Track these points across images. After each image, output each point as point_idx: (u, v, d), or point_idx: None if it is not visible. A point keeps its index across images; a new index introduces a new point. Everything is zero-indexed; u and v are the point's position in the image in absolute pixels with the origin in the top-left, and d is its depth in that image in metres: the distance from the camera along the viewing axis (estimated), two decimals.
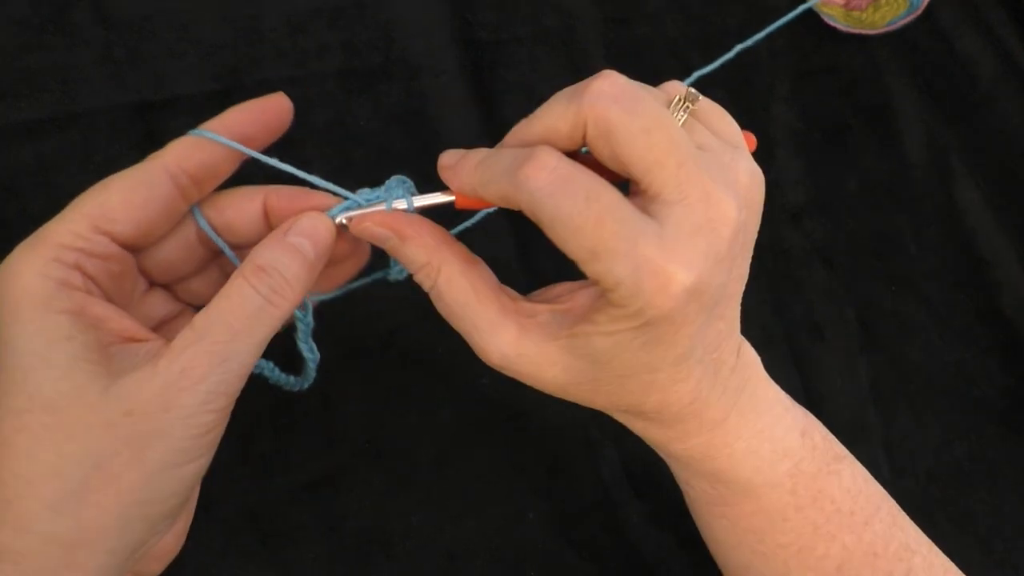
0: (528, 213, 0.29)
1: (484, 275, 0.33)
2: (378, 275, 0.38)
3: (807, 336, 0.54)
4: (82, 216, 0.30)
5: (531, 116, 0.32)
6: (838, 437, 0.52)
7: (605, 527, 0.47)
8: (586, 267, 0.29)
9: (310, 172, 0.34)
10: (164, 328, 0.35)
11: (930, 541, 0.39)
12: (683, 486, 0.40)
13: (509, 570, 0.45)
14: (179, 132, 0.33)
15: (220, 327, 0.29)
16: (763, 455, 0.36)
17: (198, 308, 0.36)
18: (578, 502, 0.47)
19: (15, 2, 0.48)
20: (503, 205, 0.31)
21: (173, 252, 0.34)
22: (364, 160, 0.51)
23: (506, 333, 0.32)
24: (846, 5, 0.62)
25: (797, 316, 0.54)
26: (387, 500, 0.45)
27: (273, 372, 0.37)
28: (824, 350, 0.54)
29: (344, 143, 0.51)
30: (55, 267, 0.29)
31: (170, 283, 0.35)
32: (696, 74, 0.39)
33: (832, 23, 0.60)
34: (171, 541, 0.32)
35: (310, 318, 0.35)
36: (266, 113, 0.33)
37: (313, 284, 0.33)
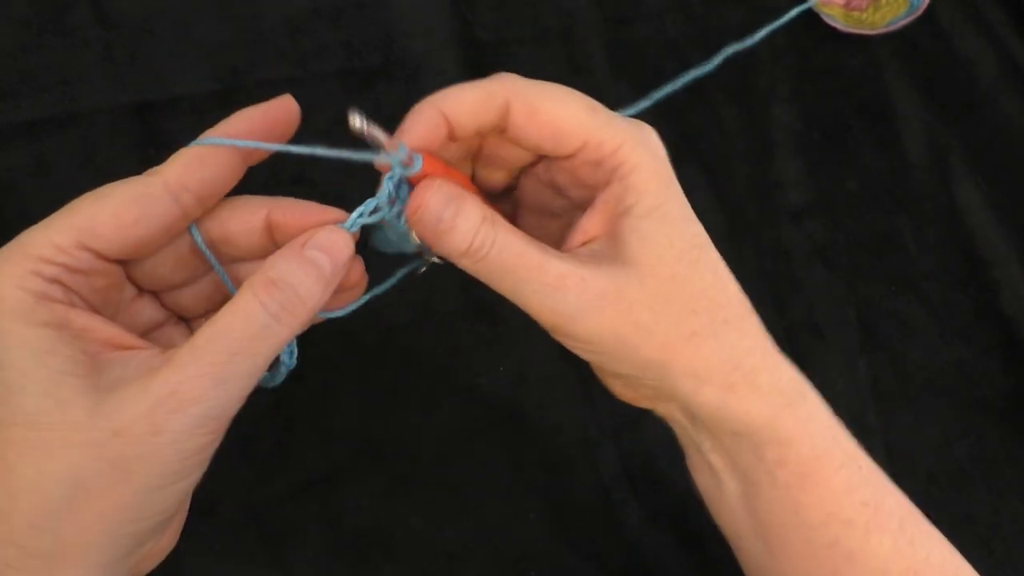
0: (521, 98, 0.31)
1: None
2: (395, 278, 0.36)
3: (807, 336, 0.54)
4: (68, 228, 0.28)
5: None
6: None
7: (605, 527, 0.47)
8: (591, 131, 0.30)
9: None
10: (155, 334, 0.34)
11: None
12: (751, 476, 0.35)
13: (509, 570, 0.45)
14: (179, 132, 0.32)
15: (220, 345, 0.27)
16: (816, 397, 0.35)
17: (186, 319, 0.35)
18: (578, 502, 0.47)
19: (15, 2, 0.48)
20: (475, 115, 0.31)
21: (165, 264, 0.32)
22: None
23: (573, 271, 0.31)
24: (846, 5, 0.62)
25: (797, 316, 0.54)
26: (387, 500, 0.45)
27: None
28: (824, 350, 0.54)
29: (344, 143, 0.51)
30: (33, 280, 0.27)
31: (159, 292, 0.34)
32: (690, 76, 0.39)
33: (832, 23, 0.60)
34: (163, 542, 0.32)
35: (294, 346, 0.34)
36: (272, 118, 0.32)
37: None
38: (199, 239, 0.32)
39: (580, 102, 0.31)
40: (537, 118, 0.30)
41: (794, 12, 0.58)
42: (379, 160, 0.31)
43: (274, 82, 0.51)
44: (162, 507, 0.28)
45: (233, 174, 0.32)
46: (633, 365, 0.32)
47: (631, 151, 0.31)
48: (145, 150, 0.47)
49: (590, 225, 0.33)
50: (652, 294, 0.31)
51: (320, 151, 0.31)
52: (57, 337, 0.27)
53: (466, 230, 0.30)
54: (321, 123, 0.51)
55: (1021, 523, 0.53)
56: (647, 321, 0.31)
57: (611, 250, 0.32)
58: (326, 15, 0.52)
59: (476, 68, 0.54)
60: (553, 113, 0.31)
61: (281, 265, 0.29)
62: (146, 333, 0.33)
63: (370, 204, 0.32)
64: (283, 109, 0.32)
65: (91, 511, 0.26)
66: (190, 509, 0.34)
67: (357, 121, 0.30)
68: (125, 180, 0.30)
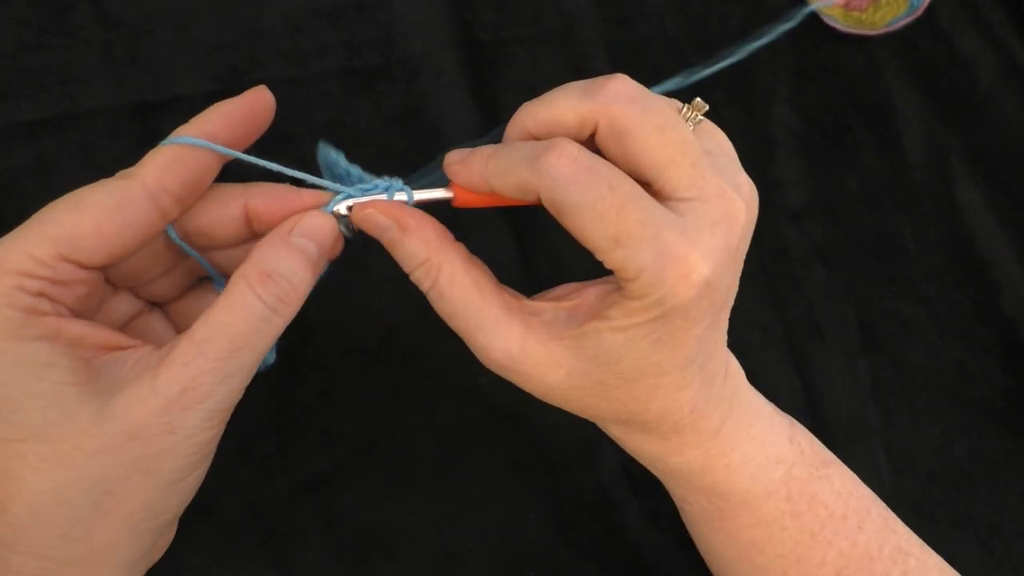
0: (548, 201, 0.29)
1: (486, 273, 0.33)
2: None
3: (807, 336, 0.54)
4: (48, 240, 0.28)
5: (536, 104, 0.32)
6: (838, 437, 0.52)
7: (604, 527, 0.47)
8: (607, 255, 0.29)
9: (309, 172, 0.34)
10: (132, 325, 0.34)
11: (922, 542, 0.39)
12: (680, 504, 0.40)
13: (509, 570, 0.45)
14: None
15: (223, 340, 0.27)
16: (758, 463, 0.36)
17: (158, 305, 0.35)
18: (578, 502, 0.47)
19: (15, 2, 0.48)
20: (515, 195, 0.31)
21: (141, 263, 0.32)
22: (364, 160, 0.50)
23: (511, 331, 0.31)
24: (846, 5, 0.62)
25: (797, 316, 0.54)
26: (387, 500, 0.45)
27: None
28: (824, 350, 0.54)
29: (344, 143, 0.50)
30: (19, 296, 0.27)
31: (133, 286, 0.33)
32: (698, 75, 0.39)
33: (832, 23, 0.60)
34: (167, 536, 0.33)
35: None
36: (248, 111, 0.32)
37: None
38: (175, 236, 0.32)
39: (607, 228, 0.28)
40: (564, 221, 0.29)
41: (800, 15, 0.57)
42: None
43: (274, 82, 0.50)
44: (180, 498, 0.29)
45: (209, 172, 0.31)
46: None
47: (642, 283, 0.29)
48: (145, 150, 0.47)
49: (579, 293, 0.33)
50: (577, 388, 0.32)
51: (290, 171, 0.32)
52: (52, 349, 0.27)
53: (414, 255, 0.32)
54: (321, 123, 0.51)
55: (1021, 523, 0.53)
56: (558, 400, 0.33)
57: (572, 327, 0.31)
58: (326, 15, 0.52)
59: (476, 68, 0.54)
60: (577, 231, 0.29)
61: (272, 257, 0.29)
62: (125, 326, 0.33)
63: (346, 195, 0.32)
64: (258, 101, 0.32)
65: (119, 514, 0.27)
66: (190, 509, 0.34)
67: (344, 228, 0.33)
68: (99, 184, 0.29)
